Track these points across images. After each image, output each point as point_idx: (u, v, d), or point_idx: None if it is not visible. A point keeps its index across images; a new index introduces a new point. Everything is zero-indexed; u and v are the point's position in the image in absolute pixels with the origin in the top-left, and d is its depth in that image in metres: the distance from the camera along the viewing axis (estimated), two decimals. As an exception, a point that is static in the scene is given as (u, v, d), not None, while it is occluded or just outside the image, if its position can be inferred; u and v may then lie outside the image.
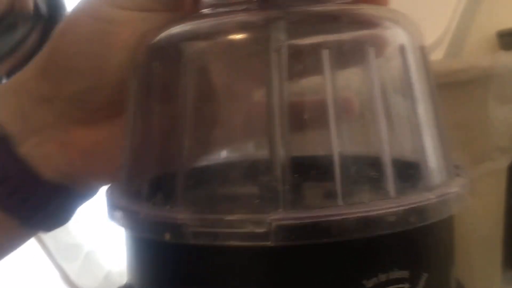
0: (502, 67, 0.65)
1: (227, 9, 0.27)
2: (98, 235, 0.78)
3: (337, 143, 0.22)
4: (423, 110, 0.25)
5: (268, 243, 0.21)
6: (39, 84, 0.31)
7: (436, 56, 0.75)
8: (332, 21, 0.25)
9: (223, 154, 0.29)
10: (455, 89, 0.64)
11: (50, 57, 0.31)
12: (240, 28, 0.25)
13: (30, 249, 0.75)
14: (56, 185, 0.32)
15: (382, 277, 0.21)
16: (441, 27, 0.75)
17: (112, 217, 0.25)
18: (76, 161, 0.32)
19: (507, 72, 0.65)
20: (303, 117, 0.26)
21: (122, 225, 0.25)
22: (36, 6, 0.61)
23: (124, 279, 0.27)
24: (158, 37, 0.27)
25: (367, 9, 0.27)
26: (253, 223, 0.21)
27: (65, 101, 0.31)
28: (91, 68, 0.30)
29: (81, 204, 0.34)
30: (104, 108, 0.31)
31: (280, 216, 0.21)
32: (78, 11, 0.30)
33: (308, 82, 0.26)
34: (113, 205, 0.25)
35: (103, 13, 0.29)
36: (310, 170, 0.25)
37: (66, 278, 0.78)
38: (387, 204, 0.21)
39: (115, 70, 0.30)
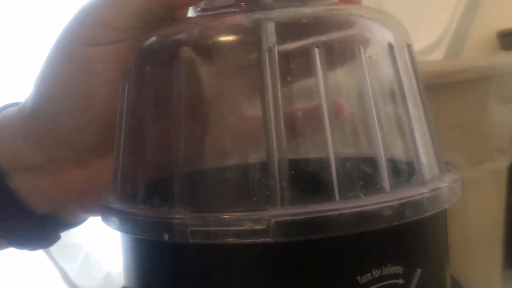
0: (502, 67, 0.65)
1: (216, 12, 0.27)
2: (98, 235, 0.78)
3: (332, 142, 0.22)
4: (413, 107, 0.25)
5: (268, 240, 0.21)
6: (30, 126, 0.31)
7: (436, 56, 0.75)
8: (321, 22, 0.25)
9: (219, 157, 0.29)
10: (455, 89, 0.64)
11: (35, 101, 0.31)
12: (231, 30, 0.25)
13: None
14: (45, 216, 0.33)
15: (376, 273, 0.21)
16: (441, 28, 0.76)
17: (107, 221, 0.25)
18: (67, 195, 0.33)
19: (507, 72, 0.65)
20: (297, 125, 0.26)
21: (119, 229, 0.25)
22: None
23: (123, 279, 0.27)
24: (149, 41, 0.27)
25: (354, 9, 0.27)
26: (252, 220, 0.21)
27: (55, 143, 0.31)
28: (76, 108, 0.30)
29: (68, 229, 0.35)
30: (94, 147, 0.32)
31: (279, 213, 0.21)
32: (54, 55, 0.30)
33: (300, 86, 0.26)
34: (109, 209, 0.25)
35: (77, 54, 0.29)
36: (306, 168, 0.25)
37: (66, 278, 0.78)
38: (383, 198, 0.22)
39: (100, 106, 0.30)
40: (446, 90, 0.63)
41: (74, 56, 0.29)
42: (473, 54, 0.76)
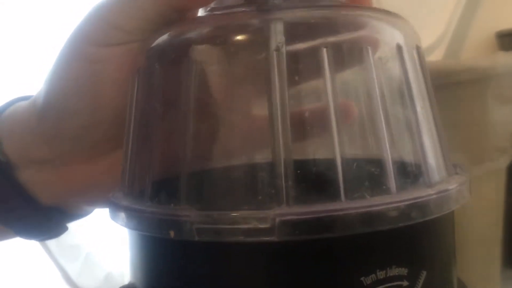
0: (501, 67, 0.65)
1: (225, 12, 0.28)
2: (98, 236, 0.78)
3: (338, 142, 0.22)
4: (421, 109, 0.25)
5: (272, 239, 0.21)
6: (39, 124, 0.32)
7: (436, 56, 0.75)
8: (330, 22, 0.25)
9: (226, 156, 0.29)
10: (454, 89, 0.64)
11: (46, 99, 0.31)
12: (240, 30, 0.25)
13: (31, 249, 0.75)
14: (51, 208, 0.33)
15: (381, 274, 0.21)
16: (440, 28, 0.76)
17: (115, 218, 0.25)
18: (73, 189, 0.33)
19: (506, 72, 0.65)
20: (304, 126, 0.26)
21: (126, 225, 0.25)
22: None
23: (124, 279, 0.27)
24: (159, 40, 0.27)
25: (363, 10, 0.27)
26: (257, 219, 0.21)
27: (64, 140, 0.32)
28: (86, 107, 0.30)
29: (74, 221, 0.36)
30: (102, 144, 0.32)
31: (284, 211, 0.21)
32: (65, 54, 0.30)
33: (308, 87, 0.26)
34: (116, 206, 0.25)
35: (88, 54, 0.29)
36: (312, 168, 0.26)
37: (67, 278, 0.78)
38: (389, 199, 0.21)
39: (109, 106, 0.30)
40: (445, 90, 0.63)
41: (84, 56, 0.30)
42: (473, 54, 0.76)
